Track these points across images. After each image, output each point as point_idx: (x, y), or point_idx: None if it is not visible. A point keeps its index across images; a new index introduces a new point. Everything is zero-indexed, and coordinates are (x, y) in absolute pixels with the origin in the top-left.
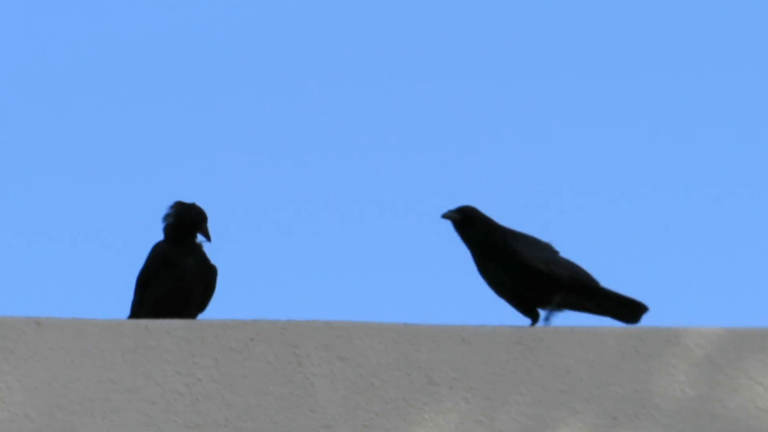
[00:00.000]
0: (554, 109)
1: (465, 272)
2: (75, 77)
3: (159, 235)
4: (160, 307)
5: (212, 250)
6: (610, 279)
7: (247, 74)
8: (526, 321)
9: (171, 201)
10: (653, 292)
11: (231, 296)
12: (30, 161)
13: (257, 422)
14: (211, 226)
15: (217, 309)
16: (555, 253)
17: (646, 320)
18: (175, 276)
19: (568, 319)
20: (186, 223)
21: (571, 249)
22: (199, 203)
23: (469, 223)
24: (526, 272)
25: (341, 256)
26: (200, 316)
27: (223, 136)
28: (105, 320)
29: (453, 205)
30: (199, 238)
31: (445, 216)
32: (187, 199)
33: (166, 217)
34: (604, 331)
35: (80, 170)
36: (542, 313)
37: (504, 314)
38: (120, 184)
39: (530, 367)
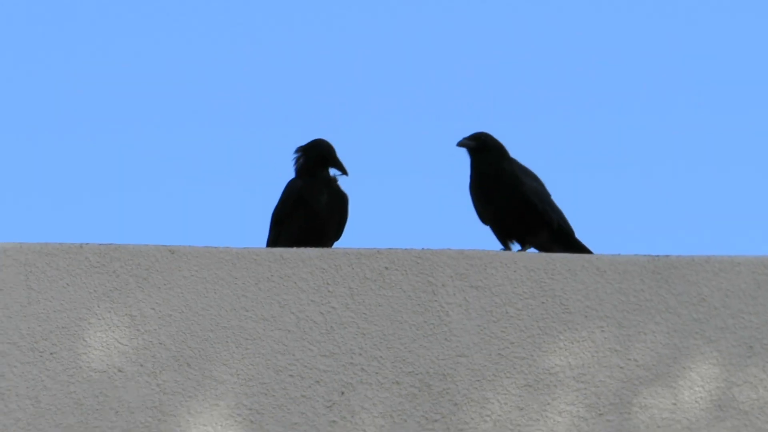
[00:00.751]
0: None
1: (600, 202)
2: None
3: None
4: (296, 244)
5: (349, 181)
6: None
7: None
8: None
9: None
10: None
11: (367, 225)
12: (176, 107)
13: (392, 351)
14: (349, 159)
15: (352, 238)
16: (548, 195)
17: None
18: (309, 214)
19: (702, 248)
20: (315, 156)
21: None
22: (336, 140)
23: (483, 150)
24: (525, 204)
25: None
26: (336, 245)
27: (353, 68)
28: (239, 248)
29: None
30: (334, 172)
31: (461, 144)
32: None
33: (297, 160)
34: (739, 260)
35: (216, 106)
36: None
37: (638, 243)
38: (257, 120)
39: (665, 296)
